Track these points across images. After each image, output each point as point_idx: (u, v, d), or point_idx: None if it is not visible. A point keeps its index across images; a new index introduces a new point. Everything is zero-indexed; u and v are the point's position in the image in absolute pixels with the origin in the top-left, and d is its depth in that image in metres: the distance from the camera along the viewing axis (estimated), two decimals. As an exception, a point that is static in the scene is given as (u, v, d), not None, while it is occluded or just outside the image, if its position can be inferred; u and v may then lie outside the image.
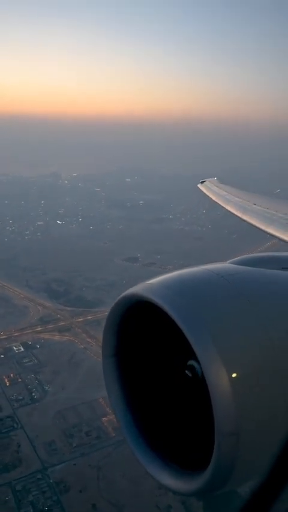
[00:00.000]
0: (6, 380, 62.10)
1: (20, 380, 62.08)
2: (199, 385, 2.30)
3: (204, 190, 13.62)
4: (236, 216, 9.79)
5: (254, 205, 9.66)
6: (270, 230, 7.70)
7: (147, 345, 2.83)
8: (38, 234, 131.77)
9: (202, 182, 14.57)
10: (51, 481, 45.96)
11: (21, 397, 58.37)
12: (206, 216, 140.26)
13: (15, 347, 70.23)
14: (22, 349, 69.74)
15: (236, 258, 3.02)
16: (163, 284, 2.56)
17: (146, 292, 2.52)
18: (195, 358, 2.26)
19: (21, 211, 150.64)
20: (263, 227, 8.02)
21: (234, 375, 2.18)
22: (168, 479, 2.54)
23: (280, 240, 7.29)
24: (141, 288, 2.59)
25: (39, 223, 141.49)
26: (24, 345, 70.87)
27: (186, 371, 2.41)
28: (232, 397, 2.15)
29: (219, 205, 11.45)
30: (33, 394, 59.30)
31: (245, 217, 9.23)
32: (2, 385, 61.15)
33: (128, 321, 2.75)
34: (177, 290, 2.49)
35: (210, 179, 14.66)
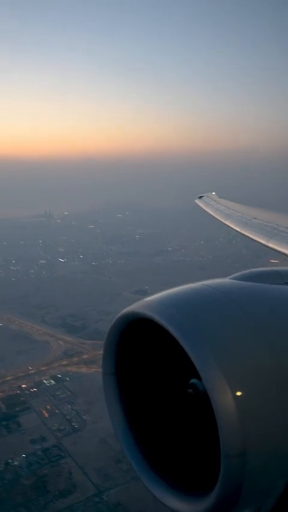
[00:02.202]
0: (44, 412, 64.00)
1: (57, 411, 64.02)
2: (202, 404, 2.22)
3: (202, 206, 13.24)
4: (236, 230, 9.43)
5: (254, 219, 9.21)
6: (271, 244, 7.31)
7: (148, 363, 2.78)
8: (43, 272, 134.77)
9: (200, 197, 14.21)
10: (108, 504, 47.86)
11: (62, 427, 60.29)
12: (204, 246, 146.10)
13: (46, 380, 72.26)
14: (53, 382, 71.83)
15: (237, 274, 3.01)
16: (162, 301, 2.52)
17: (145, 309, 2.48)
18: (198, 376, 2.18)
19: (22, 251, 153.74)
20: (263, 241, 7.64)
21: (238, 393, 2.10)
22: (173, 501, 2.44)
23: (282, 254, 6.96)
24: (140, 305, 2.55)
25: (42, 261, 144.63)
26: (54, 378, 72.98)
27: (189, 389, 2.32)
28: (237, 416, 2.06)
29: (219, 220, 11.03)
30: (73, 424, 61.29)
31: (244, 232, 8.81)
32: (42, 416, 63.07)
33: (128, 338, 2.70)
34: (176, 306, 2.44)
35: (208, 194, 14.29)
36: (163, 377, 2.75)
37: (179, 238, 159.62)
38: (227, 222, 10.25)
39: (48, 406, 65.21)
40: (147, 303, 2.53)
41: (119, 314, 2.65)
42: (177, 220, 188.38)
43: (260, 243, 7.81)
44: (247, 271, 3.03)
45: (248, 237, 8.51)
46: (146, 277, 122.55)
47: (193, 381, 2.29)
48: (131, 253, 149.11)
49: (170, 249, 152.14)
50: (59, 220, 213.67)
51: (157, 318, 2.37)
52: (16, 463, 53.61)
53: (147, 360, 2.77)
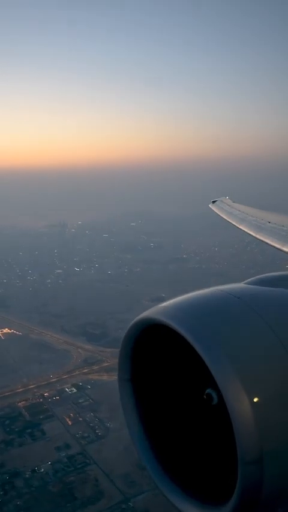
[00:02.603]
0: (67, 419, 64.59)
1: (80, 419, 64.58)
2: (219, 411, 2.22)
3: (216, 210, 13.24)
4: (250, 235, 9.35)
5: (269, 223, 9.17)
6: (286, 249, 7.25)
7: (163, 369, 2.76)
8: (60, 281, 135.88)
9: (214, 202, 14.19)
10: (136, 511, 48.15)
11: (86, 435, 60.83)
12: (219, 253, 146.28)
13: (68, 388, 72.92)
14: (75, 390, 72.45)
15: (252, 278, 2.98)
16: (177, 306, 2.51)
17: (160, 315, 2.47)
18: (214, 382, 2.18)
19: (38, 261, 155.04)
20: (278, 246, 7.55)
21: (255, 399, 2.10)
22: (190, 509, 2.46)
23: None
24: (155, 311, 2.55)
25: (58, 271, 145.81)
26: (76, 386, 73.60)
27: (205, 396, 2.33)
28: (254, 423, 2.07)
29: (233, 224, 10.99)
30: (97, 431, 61.78)
31: (259, 236, 8.74)
32: (65, 424, 63.66)
33: (143, 344, 2.70)
34: (192, 312, 2.43)
35: (222, 198, 14.29)
36: (179, 383, 2.73)
37: (194, 246, 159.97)
38: (241, 227, 10.16)
39: (71, 414, 65.79)
40: (162, 308, 2.53)
41: (134, 320, 2.65)
42: (189, 228, 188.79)
43: (274, 247, 7.68)
44: (261, 275, 3.02)
45: (263, 241, 8.36)
46: (162, 285, 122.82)
47: (209, 390, 2.30)
48: (146, 261, 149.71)
49: (185, 256, 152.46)
50: (73, 230, 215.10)
51: (172, 324, 2.37)
52: (42, 470, 54.35)
53: (162, 366, 2.75)
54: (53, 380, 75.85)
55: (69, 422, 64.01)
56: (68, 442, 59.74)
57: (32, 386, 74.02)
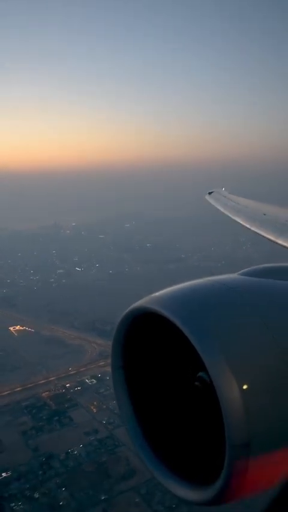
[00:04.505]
0: (92, 407, 68.73)
1: (104, 407, 68.60)
2: (208, 396, 2.32)
3: (212, 202, 13.14)
4: (245, 226, 9.24)
5: (264, 215, 9.21)
6: (281, 241, 7.22)
7: (155, 357, 2.85)
8: (63, 280, 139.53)
9: (210, 193, 14.13)
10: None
11: (112, 421, 64.84)
12: (215, 252, 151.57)
13: (87, 380, 77.06)
14: (94, 381, 76.50)
15: (246, 269, 3.03)
16: (169, 296, 2.60)
17: (153, 304, 2.54)
18: (205, 369, 2.26)
19: (38, 262, 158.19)
20: (272, 238, 7.54)
21: (244, 386, 2.18)
22: (179, 490, 2.56)
23: None
24: (149, 300, 2.62)
25: (59, 271, 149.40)
26: (95, 377, 77.66)
27: (196, 382, 2.43)
28: (243, 408, 2.16)
29: (228, 216, 10.86)
30: (121, 417, 66.03)
31: (253, 228, 8.67)
32: (90, 412, 67.82)
33: (136, 333, 2.78)
34: (185, 301, 2.52)
35: (218, 189, 14.25)
36: (170, 370, 2.83)
37: (189, 246, 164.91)
38: (235, 218, 10.12)
39: (94, 402, 69.86)
40: (155, 298, 2.62)
41: (127, 309, 2.73)
42: (182, 229, 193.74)
43: (268, 239, 7.64)
44: (256, 267, 3.08)
45: (257, 233, 8.30)
46: (164, 284, 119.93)
47: (201, 374, 2.40)
48: (145, 260, 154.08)
49: (183, 256, 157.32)
50: (68, 231, 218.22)
51: (164, 312, 2.45)
52: (76, 452, 58.40)
53: (154, 353, 2.86)
54: (72, 372, 79.88)
55: (94, 410, 68.13)
56: (95, 427, 63.88)
57: (52, 378, 77.96)
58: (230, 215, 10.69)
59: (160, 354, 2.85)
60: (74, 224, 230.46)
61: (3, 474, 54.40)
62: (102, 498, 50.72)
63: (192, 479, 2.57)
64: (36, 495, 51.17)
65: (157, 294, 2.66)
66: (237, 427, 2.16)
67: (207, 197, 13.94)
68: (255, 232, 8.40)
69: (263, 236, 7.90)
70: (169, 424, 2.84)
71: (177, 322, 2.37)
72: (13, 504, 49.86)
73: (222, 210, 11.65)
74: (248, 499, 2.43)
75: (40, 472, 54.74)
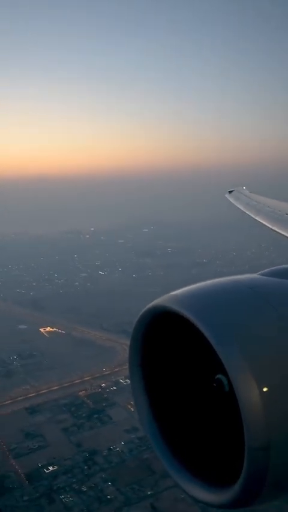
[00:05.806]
0: (129, 407, 69.98)
1: (142, 405, 70.14)
2: (228, 399, 2.30)
3: (233, 201, 13.02)
4: (267, 227, 9.16)
5: (286, 215, 9.18)
6: None
7: (174, 356, 2.85)
8: (88, 284, 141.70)
9: (230, 192, 13.96)
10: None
11: (151, 419, 66.42)
12: (238, 257, 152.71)
13: (122, 380, 78.54)
14: (129, 381, 77.93)
15: (267, 270, 3.01)
16: (189, 295, 2.58)
17: (172, 303, 2.53)
18: (224, 371, 2.25)
19: (61, 266, 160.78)
20: None
21: (264, 389, 2.16)
22: (196, 491, 2.54)
23: None
24: (167, 299, 2.62)
25: (82, 274, 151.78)
26: (128, 377, 79.10)
27: (214, 384, 2.42)
28: (262, 411, 2.14)
29: (250, 216, 10.76)
30: (158, 414, 67.64)
31: (274, 228, 8.60)
32: (128, 411, 69.02)
33: (155, 332, 2.78)
34: (204, 301, 2.49)
35: (239, 188, 14.09)
36: (188, 370, 2.83)
37: (211, 251, 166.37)
38: (257, 218, 10.02)
39: (131, 402, 70.76)
40: (174, 297, 2.60)
41: (146, 307, 2.74)
42: (201, 233, 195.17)
43: None
44: (276, 267, 3.06)
45: (279, 233, 8.16)
46: None
47: (219, 376, 2.39)
48: (167, 265, 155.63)
49: (205, 260, 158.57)
50: (88, 236, 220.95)
51: (184, 312, 2.43)
52: (118, 449, 59.98)
53: (172, 352, 2.85)
54: (106, 373, 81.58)
55: (132, 409, 69.45)
56: (135, 425, 65.13)
57: (87, 378, 79.71)
58: (251, 215, 10.61)
59: (179, 353, 2.85)
60: (92, 229, 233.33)
61: (50, 468, 56.21)
62: (149, 493, 52.12)
63: (210, 481, 2.55)
64: (84, 488, 52.77)
65: (176, 292, 2.66)
66: (256, 430, 2.16)
67: (227, 196, 13.85)
68: (278, 233, 8.19)
69: (285, 236, 7.79)
70: (187, 425, 2.85)
71: (196, 322, 2.37)
72: (62, 496, 51.51)
73: (243, 209, 11.56)
74: (266, 504, 2.43)
75: (85, 467, 56.41)
